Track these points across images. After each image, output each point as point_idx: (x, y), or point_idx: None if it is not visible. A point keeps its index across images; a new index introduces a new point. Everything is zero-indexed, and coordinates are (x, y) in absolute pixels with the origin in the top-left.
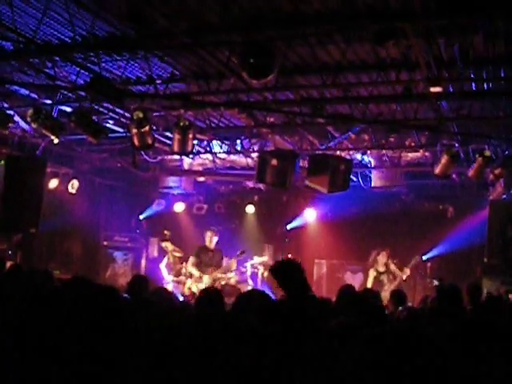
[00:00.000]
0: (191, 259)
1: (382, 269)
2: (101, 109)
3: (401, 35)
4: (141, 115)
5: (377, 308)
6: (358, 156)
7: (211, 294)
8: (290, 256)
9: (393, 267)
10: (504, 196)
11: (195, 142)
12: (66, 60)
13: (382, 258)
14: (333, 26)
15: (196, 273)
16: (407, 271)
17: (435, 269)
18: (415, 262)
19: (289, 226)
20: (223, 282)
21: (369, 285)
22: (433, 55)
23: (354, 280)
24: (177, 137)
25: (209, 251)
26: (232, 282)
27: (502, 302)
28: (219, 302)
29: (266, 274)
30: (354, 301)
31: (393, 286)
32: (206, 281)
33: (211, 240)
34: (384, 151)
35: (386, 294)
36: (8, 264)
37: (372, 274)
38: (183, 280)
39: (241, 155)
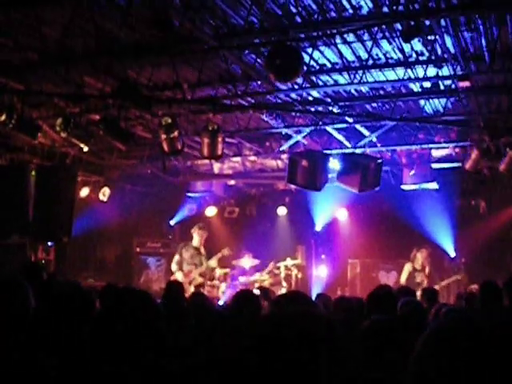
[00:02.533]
0: (175, 256)
1: (418, 267)
2: (129, 115)
3: (427, 30)
4: (169, 121)
5: (415, 307)
6: (388, 154)
7: (247, 298)
8: (323, 257)
9: (427, 271)
10: None
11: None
12: (92, 67)
13: (420, 256)
14: (358, 24)
15: (175, 271)
16: (441, 284)
17: (469, 264)
18: (453, 279)
19: (319, 227)
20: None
21: (402, 279)
22: (460, 49)
23: (388, 279)
24: (206, 141)
25: (191, 249)
26: (266, 284)
27: None
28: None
29: (300, 275)
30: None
31: (425, 285)
32: (181, 279)
33: (195, 235)
34: (413, 148)
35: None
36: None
37: (407, 268)
38: (217, 284)
39: (270, 157)
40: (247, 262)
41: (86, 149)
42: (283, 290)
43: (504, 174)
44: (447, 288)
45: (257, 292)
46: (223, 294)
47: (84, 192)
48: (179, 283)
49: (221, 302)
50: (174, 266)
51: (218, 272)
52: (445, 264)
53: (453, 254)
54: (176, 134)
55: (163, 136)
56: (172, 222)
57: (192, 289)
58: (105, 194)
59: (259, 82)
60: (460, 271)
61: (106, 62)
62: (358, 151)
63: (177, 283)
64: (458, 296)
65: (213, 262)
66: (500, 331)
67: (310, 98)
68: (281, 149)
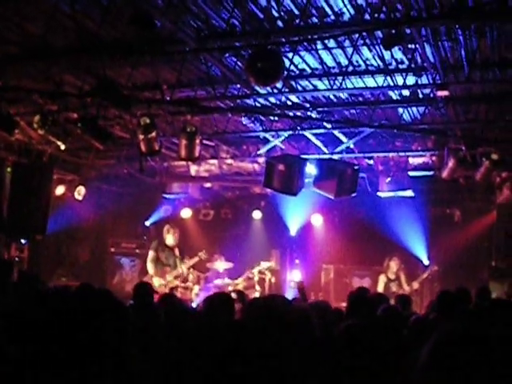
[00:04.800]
0: (150, 253)
1: (392, 276)
2: (107, 115)
3: (407, 39)
4: (147, 121)
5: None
6: (365, 161)
7: (222, 299)
8: (297, 262)
9: (403, 279)
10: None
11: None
12: (72, 65)
13: (393, 265)
14: (339, 30)
15: (151, 270)
16: (415, 285)
17: (442, 273)
18: (425, 276)
19: (294, 232)
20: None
21: (379, 290)
22: (440, 59)
23: (362, 285)
24: (183, 142)
25: (166, 249)
26: (240, 287)
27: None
28: (230, 307)
29: (273, 279)
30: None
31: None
32: (159, 284)
33: (170, 237)
34: (391, 155)
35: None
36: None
37: (382, 280)
38: (190, 286)
39: (247, 161)
40: (221, 265)
41: (63, 147)
42: (257, 294)
43: (480, 183)
44: (420, 293)
45: (233, 295)
46: (196, 297)
47: (59, 190)
48: (148, 284)
49: (194, 305)
50: (149, 266)
51: (192, 274)
52: (418, 272)
53: (426, 262)
54: (154, 134)
55: (141, 136)
56: (147, 223)
57: (167, 291)
58: (80, 193)
59: (238, 85)
60: (433, 279)
61: (86, 60)
62: (335, 157)
63: (146, 284)
64: (429, 304)
65: (188, 265)
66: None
67: (289, 103)
68: (258, 152)
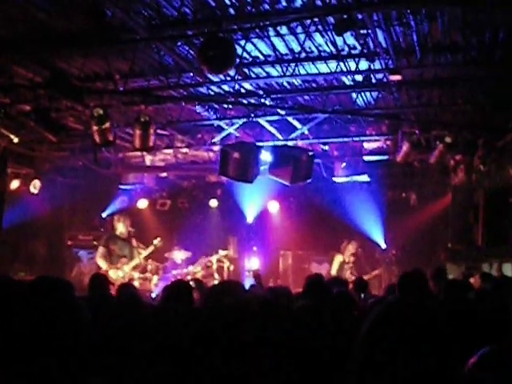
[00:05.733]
0: (100, 249)
1: (348, 259)
2: (60, 106)
3: (359, 24)
4: (101, 112)
5: (344, 295)
6: (320, 146)
7: (180, 288)
8: (255, 249)
9: (359, 264)
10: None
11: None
12: (23, 57)
13: (351, 248)
14: (291, 17)
15: (104, 265)
16: (368, 276)
17: (400, 256)
18: (375, 273)
19: (251, 219)
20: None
21: (333, 271)
22: (392, 44)
23: (320, 270)
24: (137, 132)
25: (118, 240)
26: (198, 276)
27: (465, 287)
28: (188, 296)
29: (231, 267)
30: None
31: (354, 276)
32: (116, 276)
33: (121, 226)
34: (345, 141)
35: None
36: None
37: (338, 259)
38: (149, 276)
39: (202, 149)
40: (179, 254)
41: (16, 140)
42: (215, 283)
43: (434, 166)
44: (378, 278)
45: (192, 284)
46: (156, 287)
47: (14, 184)
48: (104, 275)
49: (153, 295)
50: (101, 261)
51: (151, 265)
52: (376, 255)
53: (384, 246)
54: (107, 125)
55: (95, 127)
56: (104, 215)
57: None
58: (35, 186)
59: (192, 74)
60: (391, 263)
61: (37, 52)
62: (289, 143)
63: (101, 275)
64: (387, 287)
65: (145, 255)
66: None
67: (243, 90)
68: (213, 141)
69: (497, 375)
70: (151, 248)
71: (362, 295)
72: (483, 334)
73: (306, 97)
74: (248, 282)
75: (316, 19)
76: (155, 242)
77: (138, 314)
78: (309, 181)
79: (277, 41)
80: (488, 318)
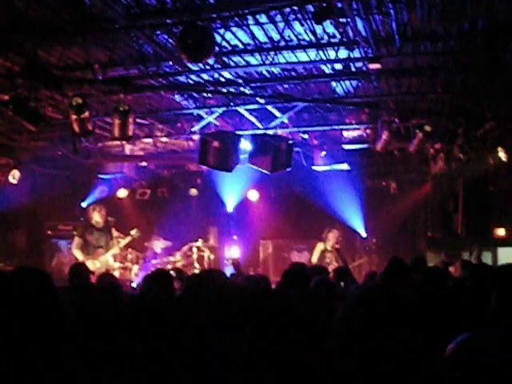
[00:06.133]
0: (76, 240)
1: (329, 247)
2: (39, 96)
3: (339, 13)
4: (80, 101)
5: (325, 284)
6: (300, 135)
7: (160, 277)
8: (235, 238)
9: (335, 254)
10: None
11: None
12: (0, 46)
13: (331, 237)
14: (270, 5)
15: (80, 256)
16: (353, 264)
17: (379, 244)
18: (362, 261)
19: (231, 208)
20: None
21: (314, 259)
22: (371, 32)
23: (300, 259)
24: (117, 122)
25: (95, 230)
26: (179, 265)
27: (444, 275)
28: (168, 285)
29: (212, 256)
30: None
31: (334, 265)
32: (94, 266)
33: (96, 215)
34: (325, 129)
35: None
36: None
37: (319, 247)
38: (129, 266)
39: (182, 138)
40: (159, 244)
41: None
42: (196, 272)
43: (414, 155)
44: (359, 268)
45: (172, 273)
46: (136, 276)
47: None
48: (83, 265)
49: (134, 284)
50: (77, 252)
51: (130, 254)
52: (356, 244)
53: (364, 235)
54: (87, 114)
55: (73, 117)
56: (84, 205)
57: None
58: (15, 176)
59: (171, 63)
60: (371, 251)
61: (15, 41)
62: (269, 132)
63: (81, 264)
64: (367, 275)
65: (122, 245)
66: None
67: (222, 79)
68: (192, 130)
69: (473, 361)
70: (128, 238)
71: (342, 283)
72: (461, 320)
73: (286, 85)
74: (228, 271)
75: (295, 8)
76: (132, 232)
77: (118, 303)
78: (288, 169)
79: (256, 29)
80: (466, 305)
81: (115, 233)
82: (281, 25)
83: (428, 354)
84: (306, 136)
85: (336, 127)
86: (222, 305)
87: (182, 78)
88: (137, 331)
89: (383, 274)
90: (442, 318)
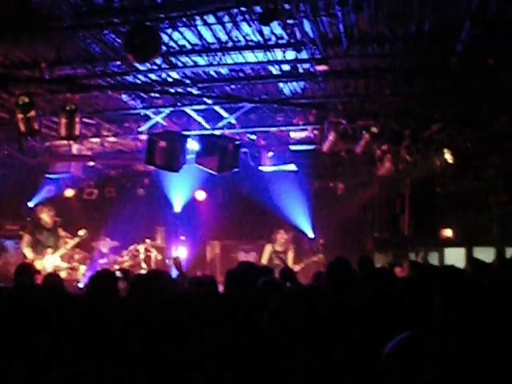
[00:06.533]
0: (26, 238)
1: (279, 248)
2: None
3: (286, 14)
4: (26, 100)
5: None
6: (247, 136)
7: (104, 277)
8: (182, 238)
9: (290, 256)
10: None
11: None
12: None
13: (279, 237)
14: (218, 6)
15: (30, 255)
16: (297, 268)
17: (327, 245)
18: (312, 259)
19: (178, 208)
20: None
21: (263, 260)
22: (319, 34)
23: (247, 259)
24: (63, 121)
25: (44, 230)
26: (126, 266)
27: (388, 275)
28: (113, 286)
29: (159, 256)
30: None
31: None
32: (42, 266)
33: (45, 216)
34: (272, 130)
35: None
36: None
37: (268, 249)
38: (76, 266)
39: (129, 138)
40: (106, 244)
41: None
42: (143, 272)
43: (361, 156)
44: (307, 268)
45: (118, 274)
46: (83, 277)
47: None
48: (29, 265)
49: (80, 285)
50: (27, 250)
51: (77, 254)
52: (304, 245)
53: (311, 235)
54: (33, 113)
55: (20, 116)
56: (31, 204)
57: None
58: None
59: (118, 62)
60: (318, 252)
61: None
62: (216, 133)
63: (27, 265)
64: (314, 275)
65: (70, 245)
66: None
67: (170, 79)
68: (139, 130)
69: (412, 359)
70: (77, 239)
71: (288, 284)
72: (405, 318)
73: (233, 86)
74: (174, 271)
75: (243, 9)
76: (80, 233)
77: (62, 303)
78: (236, 170)
79: (204, 30)
80: (411, 303)
81: (62, 233)
82: (228, 25)
83: (368, 352)
84: (253, 137)
85: (283, 128)
86: (166, 307)
87: (130, 78)
88: (75, 331)
89: (327, 273)
90: (386, 316)
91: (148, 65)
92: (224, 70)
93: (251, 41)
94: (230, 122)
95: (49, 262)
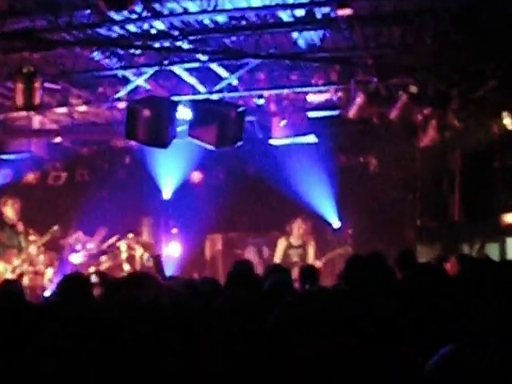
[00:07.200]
0: None
1: (295, 242)
2: None
3: None
4: None
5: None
6: (253, 100)
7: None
8: (174, 232)
9: (311, 250)
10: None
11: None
12: None
13: (295, 228)
14: None
15: None
16: (318, 263)
17: (356, 236)
18: (338, 252)
19: (168, 194)
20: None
21: (277, 258)
22: None
23: (260, 256)
24: (20, 87)
25: (6, 227)
26: (104, 267)
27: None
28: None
29: (145, 255)
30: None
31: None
32: (4, 270)
33: (8, 210)
34: (285, 92)
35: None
36: None
37: (282, 244)
38: (42, 270)
39: (105, 107)
40: (78, 240)
41: None
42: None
43: (397, 123)
44: (331, 263)
45: (93, 278)
46: (50, 282)
47: None
48: None
49: (47, 293)
50: None
51: (43, 255)
52: (327, 236)
53: (337, 225)
54: None
55: None
56: None
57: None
58: None
59: (88, 12)
60: (346, 244)
61: None
62: (214, 97)
63: None
64: (338, 276)
65: (38, 245)
66: None
67: (153, 31)
68: (117, 96)
69: (455, 375)
70: (47, 237)
71: (307, 286)
72: (447, 328)
73: (234, 38)
74: (169, 271)
75: None
76: (52, 230)
77: (21, 317)
78: (239, 144)
79: None
80: (457, 309)
81: (21, 228)
82: None
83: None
84: (261, 101)
85: (298, 90)
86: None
87: (103, 31)
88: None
89: (344, 274)
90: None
91: (125, 13)
92: (222, 18)
93: None
94: (230, 84)
95: (11, 266)
